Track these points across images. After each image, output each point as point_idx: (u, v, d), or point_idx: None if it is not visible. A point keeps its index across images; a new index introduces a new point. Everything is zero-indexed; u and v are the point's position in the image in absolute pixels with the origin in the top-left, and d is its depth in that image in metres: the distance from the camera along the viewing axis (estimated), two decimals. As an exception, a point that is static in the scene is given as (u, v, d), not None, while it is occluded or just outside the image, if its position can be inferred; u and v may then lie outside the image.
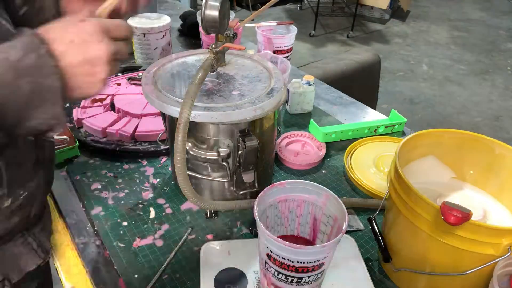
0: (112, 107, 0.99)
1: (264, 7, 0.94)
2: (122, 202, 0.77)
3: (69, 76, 0.42)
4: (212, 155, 0.68)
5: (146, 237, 0.70)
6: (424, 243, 0.56)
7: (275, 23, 1.20)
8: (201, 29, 1.22)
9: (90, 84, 0.44)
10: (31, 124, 0.41)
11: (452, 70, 3.47)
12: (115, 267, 0.65)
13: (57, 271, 0.67)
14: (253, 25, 1.15)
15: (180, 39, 1.50)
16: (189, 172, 0.67)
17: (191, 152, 0.69)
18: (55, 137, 0.88)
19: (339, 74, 1.63)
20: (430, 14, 4.71)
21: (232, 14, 0.98)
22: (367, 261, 0.67)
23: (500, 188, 0.65)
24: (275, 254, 0.52)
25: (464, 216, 0.48)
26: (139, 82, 1.07)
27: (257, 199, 0.55)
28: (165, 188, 0.81)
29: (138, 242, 0.69)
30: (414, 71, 3.45)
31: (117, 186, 0.81)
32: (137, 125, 0.91)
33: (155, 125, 0.91)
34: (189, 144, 0.69)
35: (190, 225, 0.73)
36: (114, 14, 0.52)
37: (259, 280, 0.62)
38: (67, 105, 1.01)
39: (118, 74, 1.13)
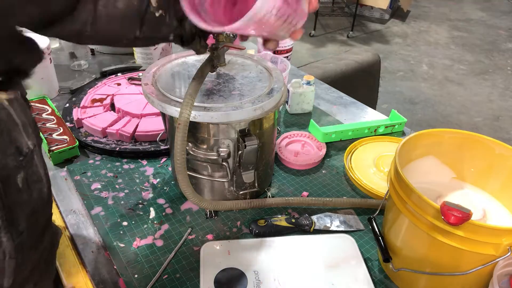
0: (112, 107, 0.99)
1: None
2: (122, 202, 0.77)
3: None
4: (212, 155, 0.68)
5: (146, 237, 0.70)
6: (424, 243, 0.56)
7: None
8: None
9: None
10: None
11: (452, 70, 3.47)
12: (115, 267, 0.65)
13: (57, 271, 0.67)
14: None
15: (180, 39, 1.50)
16: (189, 172, 0.67)
17: (191, 152, 0.69)
18: (55, 136, 0.88)
19: (339, 74, 1.63)
20: (430, 14, 4.71)
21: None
22: (367, 261, 0.67)
23: (500, 188, 0.65)
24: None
25: (464, 216, 0.48)
26: (139, 82, 1.07)
27: None
28: (165, 188, 0.81)
29: (138, 242, 0.69)
30: (414, 71, 3.45)
31: (117, 186, 0.81)
32: (137, 125, 0.91)
33: (155, 125, 0.91)
34: (189, 144, 0.69)
35: (190, 225, 0.73)
36: None
37: (259, 280, 0.62)
38: (67, 104, 1.01)
39: (119, 74, 1.13)
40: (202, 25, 0.45)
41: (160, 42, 0.57)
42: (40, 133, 0.89)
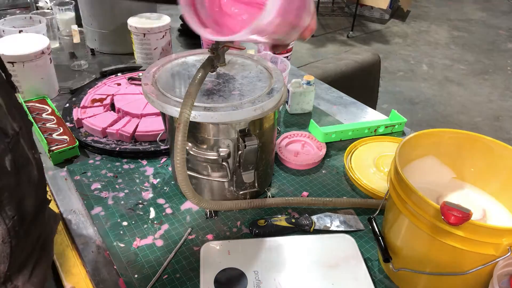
0: (112, 107, 0.99)
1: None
2: (122, 202, 0.77)
3: None
4: (212, 155, 0.68)
5: (146, 237, 0.70)
6: (424, 243, 0.56)
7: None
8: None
9: None
10: None
11: (452, 70, 3.47)
12: (115, 267, 0.65)
13: (57, 271, 0.67)
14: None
15: (180, 39, 1.50)
16: (189, 172, 0.67)
17: (191, 152, 0.69)
18: (55, 136, 0.88)
19: (339, 74, 1.63)
20: (430, 14, 4.71)
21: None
22: (367, 261, 0.67)
23: (500, 188, 0.65)
24: None
25: (464, 216, 0.48)
26: (139, 82, 1.07)
27: None
28: (165, 188, 0.81)
29: (138, 242, 0.69)
30: (414, 71, 3.45)
31: (117, 186, 0.81)
32: (137, 125, 0.91)
33: (155, 125, 0.91)
34: (189, 144, 0.69)
35: (190, 225, 0.73)
36: None
37: (259, 280, 0.62)
38: (67, 104, 1.01)
39: (119, 74, 1.13)
40: (207, 35, 0.45)
41: None
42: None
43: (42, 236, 0.49)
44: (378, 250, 0.65)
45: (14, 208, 0.41)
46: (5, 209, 0.39)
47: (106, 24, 1.28)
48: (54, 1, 1.41)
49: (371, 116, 1.08)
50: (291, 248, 0.67)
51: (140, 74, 1.12)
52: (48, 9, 1.53)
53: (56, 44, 1.37)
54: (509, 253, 0.50)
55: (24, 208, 0.43)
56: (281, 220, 0.72)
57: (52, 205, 0.77)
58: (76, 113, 0.96)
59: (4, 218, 0.39)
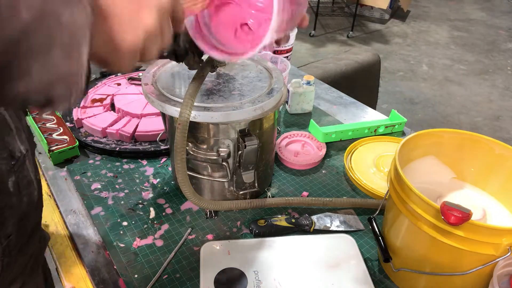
0: (112, 107, 0.99)
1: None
2: (122, 202, 0.77)
3: (105, 13, 0.31)
4: (212, 155, 0.68)
5: (146, 237, 0.70)
6: (424, 243, 0.56)
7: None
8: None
9: (128, 27, 0.32)
10: (30, 80, 0.26)
11: (452, 70, 3.47)
12: (115, 267, 0.65)
13: (57, 271, 0.67)
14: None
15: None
16: (189, 172, 0.67)
17: (191, 152, 0.69)
18: (55, 136, 0.88)
19: (339, 74, 1.63)
20: (430, 14, 4.71)
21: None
22: (367, 261, 0.67)
23: (500, 188, 0.65)
24: None
25: (464, 216, 0.48)
26: (139, 82, 1.07)
27: None
28: (165, 188, 0.81)
29: (138, 242, 0.69)
30: (414, 71, 3.45)
31: (117, 186, 0.81)
32: (137, 125, 0.91)
33: (155, 125, 0.91)
34: (189, 144, 0.69)
35: (190, 225, 0.73)
36: None
37: (259, 280, 0.62)
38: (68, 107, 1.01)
39: (119, 74, 1.13)
40: (216, 55, 0.46)
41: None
42: (43, 137, 0.89)
43: (33, 256, 0.50)
44: (378, 250, 0.65)
45: (12, 228, 0.41)
46: (2, 229, 0.40)
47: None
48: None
49: (371, 116, 1.08)
50: (291, 248, 0.67)
51: (140, 74, 1.12)
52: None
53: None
54: (509, 253, 0.50)
55: (22, 228, 0.43)
56: (281, 220, 0.72)
57: (52, 205, 0.77)
58: (76, 113, 0.96)
59: (0, 237, 0.39)
